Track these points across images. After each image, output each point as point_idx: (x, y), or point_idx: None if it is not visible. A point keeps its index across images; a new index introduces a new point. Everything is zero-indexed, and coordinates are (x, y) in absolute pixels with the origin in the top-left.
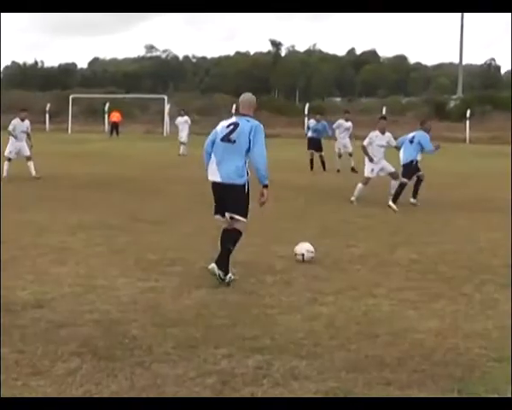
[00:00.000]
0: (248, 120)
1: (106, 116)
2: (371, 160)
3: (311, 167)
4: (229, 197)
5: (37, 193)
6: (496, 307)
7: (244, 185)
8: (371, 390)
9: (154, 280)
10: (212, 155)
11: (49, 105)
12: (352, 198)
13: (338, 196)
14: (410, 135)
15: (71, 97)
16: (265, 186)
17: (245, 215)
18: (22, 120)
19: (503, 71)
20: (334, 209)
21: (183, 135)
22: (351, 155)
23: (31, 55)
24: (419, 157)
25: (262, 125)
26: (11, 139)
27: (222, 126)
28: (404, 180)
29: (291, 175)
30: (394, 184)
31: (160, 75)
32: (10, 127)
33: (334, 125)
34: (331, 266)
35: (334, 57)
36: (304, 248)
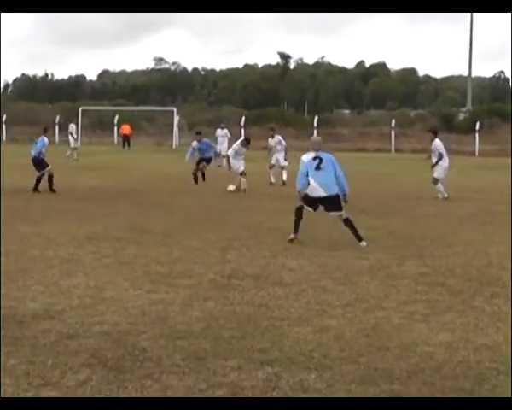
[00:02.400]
0: (324, 154)
1: (115, 128)
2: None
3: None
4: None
5: (46, 205)
6: (506, 320)
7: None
8: None
9: (162, 292)
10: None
11: (58, 117)
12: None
13: (346, 208)
14: None
15: (80, 109)
16: (345, 196)
17: (342, 209)
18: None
19: None
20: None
21: (222, 148)
22: (283, 168)
23: (41, 67)
24: None
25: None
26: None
27: (308, 160)
28: None
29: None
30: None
31: (168, 87)
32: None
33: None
34: (340, 279)
35: (343, 70)
36: None
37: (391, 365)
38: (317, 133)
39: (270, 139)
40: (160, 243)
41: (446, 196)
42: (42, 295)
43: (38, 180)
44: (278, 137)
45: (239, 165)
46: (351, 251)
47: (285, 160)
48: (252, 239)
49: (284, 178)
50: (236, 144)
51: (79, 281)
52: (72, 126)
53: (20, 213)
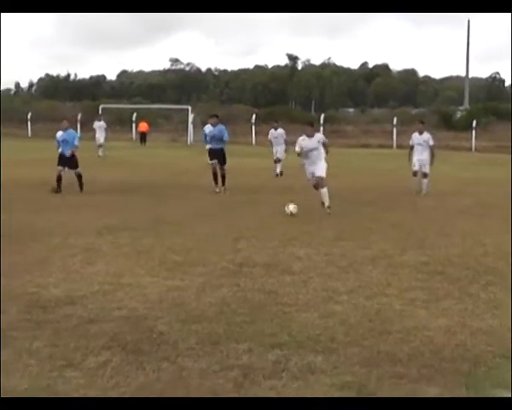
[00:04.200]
0: None
1: (134, 125)
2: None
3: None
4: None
5: (67, 198)
6: (500, 306)
7: None
8: (383, 384)
9: (178, 279)
10: None
11: (80, 115)
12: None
13: (351, 201)
14: None
15: (100, 107)
16: None
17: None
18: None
19: (506, 84)
20: (348, 213)
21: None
22: (279, 160)
23: (64, 67)
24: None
25: None
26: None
27: None
28: None
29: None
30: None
31: (183, 87)
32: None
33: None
34: (345, 267)
35: (348, 70)
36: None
37: (393, 348)
38: (323, 130)
39: (272, 131)
40: (175, 233)
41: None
42: (64, 281)
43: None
44: (281, 131)
45: None
46: (355, 241)
47: (284, 152)
48: (261, 230)
49: (279, 170)
50: None
51: (99, 269)
52: (99, 124)
53: (42, 205)
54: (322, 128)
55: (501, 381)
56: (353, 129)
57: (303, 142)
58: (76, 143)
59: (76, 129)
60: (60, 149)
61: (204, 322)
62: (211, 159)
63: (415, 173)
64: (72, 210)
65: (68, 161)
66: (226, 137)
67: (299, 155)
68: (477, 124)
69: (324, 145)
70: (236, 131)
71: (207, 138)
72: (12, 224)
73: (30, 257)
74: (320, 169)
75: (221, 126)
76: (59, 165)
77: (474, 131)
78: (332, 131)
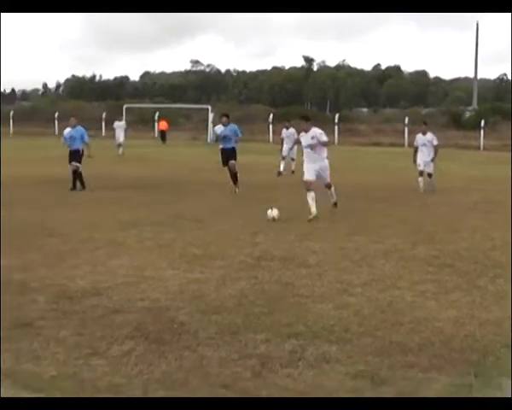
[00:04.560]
0: None
1: (156, 124)
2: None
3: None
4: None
5: (91, 194)
6: (507, 298)
7: None
8: (395, 373)
9: (198, 272)
10: None
11: (104, 114)
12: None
13: (363, 198)
14: None
15: (124, 107)
16: None
17: None
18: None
19: None
20: (360, 210)
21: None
22: (292, 159)
23: (89, 69)
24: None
25: None
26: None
27: None
28: None
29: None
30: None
31: (203, 87)
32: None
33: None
34: (358, 261)
35: (361, 72)
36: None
37: (404, 338)
38: (338, 129)
39: (284, 130)
40: (195, 228)
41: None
42: (90, 273)
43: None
44: (292, 130)
45: None
46: (368, 236)
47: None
48: (278, 224)
49: (293, 168)
50: None
51: (123, 262)
52: (119, 124)
53: (68, 200)
54: (336, 127)
55: (508, 370)
56: (366, 128)
57: (301, 138)
58: (86, 139)
59: (101, 127)
60: (68, 147)
61: (223, 313)
62: (223, 159)
63: (421, 173)
64: (98, 206)
65: (75, 156)
66: (239, 133)
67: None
68: (485, 123)
69: (322, 143)
70: (254, 130)
71: (219, 138)
72: (44, 220)
73: (58, 250)
74: (324, 173)
75: (232, 126)
76: (70, 162)
77: (482, 131)
78: (346, 130)
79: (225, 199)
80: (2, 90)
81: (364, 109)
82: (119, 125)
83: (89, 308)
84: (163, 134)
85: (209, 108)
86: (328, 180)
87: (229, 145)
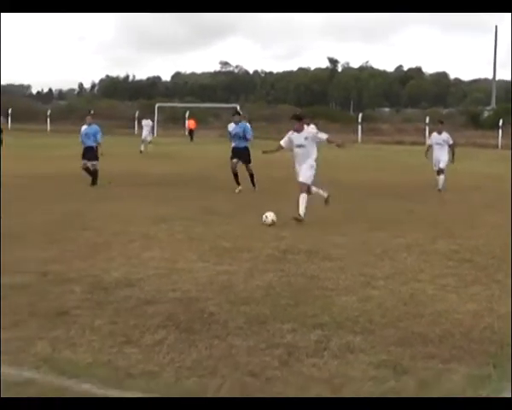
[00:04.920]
0: None
1: (186, 123)
2: None
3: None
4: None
5: (123, 189)
6: None
7: None
8: (417, 363)
9: (227, 264)
10: None
11: (137, 112)
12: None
13: (384, 194)
14: None
15: (156, 106)
16: None
17: None
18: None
19: None
20: (382, 205)
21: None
22: None
23: (123, 69)
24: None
25: None
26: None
27: None
28: None
29: (346, 175)
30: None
31: (232, 87)
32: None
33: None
34: (381, 255)
35: (384, 73)
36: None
37: (426, 329)
38: (361, 128)
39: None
40: (223, 222)
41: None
42: (123, 265)
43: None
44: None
45: None
46: (390, 231)
47: None
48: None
49: None
50: None
51: (155, 254)
52: (146, 122)
53: (101, 195)
54: (360, 126)
55: None
56: (389, 127)
57: (291, 136)
58: (98, 138)
59: (133, 126)
60: (82, 143)
61: (251, 304)
62: (232, 157)
63: (437, 172)
64: (129, 201)
65: (89, 153)
66: (250, 135)
67: (278, 149)
68: (503, 123)
69: (326, 140)
70: (281, 128)
71: (230, 136)
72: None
73: (92, 243)
74: (303, 173)
75: (244, 124)
76: (83, 159)
77: (500, 130)
78: (369, 129)
79: (252, 194)
80: (40, 89)
81: (387, 109)
82: (147, 124)
83: (122, 299)
84: (191, 132)
85: (237, 107)
86: (306, 182)
87: (241, 144)
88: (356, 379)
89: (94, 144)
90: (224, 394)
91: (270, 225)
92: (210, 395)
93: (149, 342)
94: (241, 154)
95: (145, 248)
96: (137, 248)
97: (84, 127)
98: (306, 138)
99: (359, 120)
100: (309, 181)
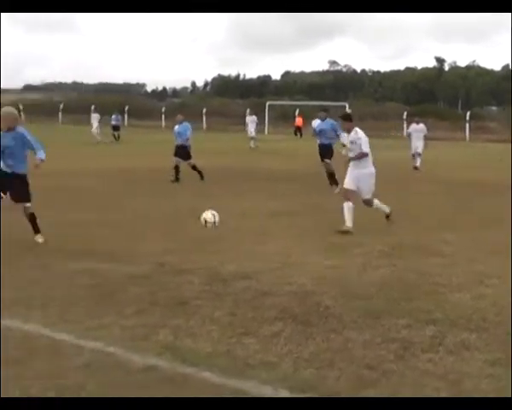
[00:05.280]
0: None
1: (296, 120)
2: None
3: None
4: None
5: (232, 185)
6: None
7: None
8: None
9: (339, 259)
10: None
11: (248, 110)
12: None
13: (494, 192)
14: None
15: (267, 104)
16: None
17: None
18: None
19: None
20: (491, 202)
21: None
22: (419, 154)
23: (234, 69)
24: None
25: None
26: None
27: None
28: None
29: (454, 173)
30: None
31: (340, 86)
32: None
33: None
34: (492, 252)
35: (491, 72)
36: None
37: None
38: (469, 126)
39: (414, 125)
40: (332, 217)
41: None
42: (238, 258)
43: (194, 168)
44: (422, 126)
45: None
46: (499, 229)
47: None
48: (408, 215)
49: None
50: None
51: (270, 248)
52: (251, 118)
53: (212, 192)
54: (467, 124)
55: None
56: (496, 125)
57: (344, 135)
58: (187, 135)
59: (244, 123)
60: (175, 141)
61: (365, 298)
62: (323, 158)
63: None
64: (241, 196)
65: (182, 152)
66: (338, 131)
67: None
68: None
69: (359, 155)
70: (390, 126)
71: (315, 133)
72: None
73: (208, 236)
74: (362, 184)
75: (330, 121)
76: (175, 156)
77: None
78: (477, 127)
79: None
80: (154, 87)
81: (494, 108)
82: (251, 120)
83: (240, 291)
84: (298, 130)
85: (346, 104)
86: (367, 197)
87: (325, 141)
88: (472, 376)
89: (186, 144)
90: (340, 386)
91: (208, 223)
92: (328, 386)
93: (267, 333)
94: (324, 151)
95: (259, 242)
96: (252, 242)
97: (176, 126)
98: (353, 143)
99: (467, 118)
100: (369, 195)
